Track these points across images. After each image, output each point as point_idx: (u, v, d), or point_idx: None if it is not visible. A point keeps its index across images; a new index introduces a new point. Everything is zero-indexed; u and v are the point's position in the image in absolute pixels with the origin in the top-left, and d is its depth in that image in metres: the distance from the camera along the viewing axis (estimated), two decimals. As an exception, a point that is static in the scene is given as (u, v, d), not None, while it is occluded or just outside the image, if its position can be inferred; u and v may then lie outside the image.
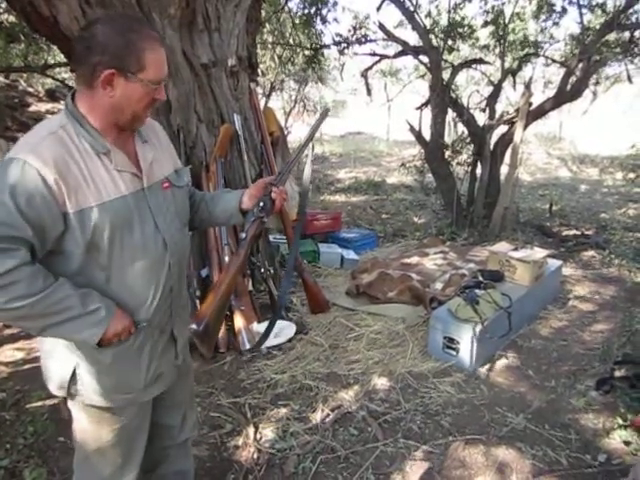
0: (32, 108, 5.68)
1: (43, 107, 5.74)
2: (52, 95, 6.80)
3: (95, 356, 1.29)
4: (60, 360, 1.32)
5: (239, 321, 3.19)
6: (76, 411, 1.41)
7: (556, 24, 6.43)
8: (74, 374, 1.30)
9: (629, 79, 6.15)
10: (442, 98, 5.54)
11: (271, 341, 3.23)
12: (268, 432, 2.44)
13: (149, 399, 1.45)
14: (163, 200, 1.36)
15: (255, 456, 2.28)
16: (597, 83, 7.49)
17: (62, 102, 6.67)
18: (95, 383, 1.31)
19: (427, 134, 5.79)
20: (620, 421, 2.45)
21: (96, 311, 1.21)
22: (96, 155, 1.22)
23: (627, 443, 2.32)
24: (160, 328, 1.41)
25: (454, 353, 3.00)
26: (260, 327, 3.28)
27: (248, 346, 3.14)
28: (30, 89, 6.82)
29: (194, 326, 1.35)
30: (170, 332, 1.45)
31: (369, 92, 7.02)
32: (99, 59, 1.16)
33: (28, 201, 1.11)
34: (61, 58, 6.38)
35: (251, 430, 2.43)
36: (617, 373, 2.74)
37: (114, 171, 1.24)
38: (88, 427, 1.40)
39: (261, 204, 1.51)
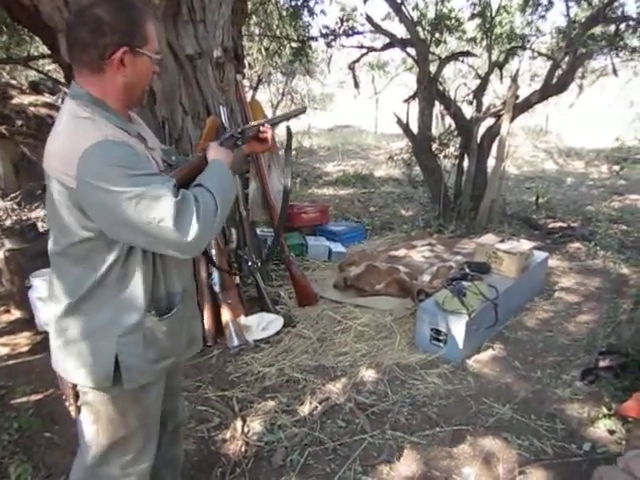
0: (15, 101, 5.59)
1: (26, 99, 5.65)
2: (36, 87, 6.69)
3: (148, 328, 1.32)
4: (100, 353, 1.30)
5: (226, 314, 3.17)
6: (103, 405, 1.37)
7: (542, 17, 6.42)
8: (117, 362, 1.29)
9: (614, 72, 6.18)
10: (429, 91, 5.54)
11: (259, 334, 3.23)
12: (256, 425, 2.43)
13: (184, 359, 1.56)
14: None
15: (243, 449, 2.28)
16: (583, 76, 7.54)
17: (46, 95, 6.56)
18: (141, 360, 1.32)
19: (415, 127, 5.79)
20: (605, 410, 2.48)
21: (227, 168, 1.37)
22: (132, 137, 1.26)
23: (611, 432, 2.35)
24: (190, 296, 1.53)
25: (441, 345, 3.02)
26: (248, 320, 3.27)
27: (236, 340, 3.13)
28: (13, 81, 6.71)
29: None
30: (196, 299, 1.60)
31: (357, 85, 7.01)
32: (109, 40, 1.17)
33: (141, 159, 1.20)
34: (44, 50, 6.28)
35: (239, 423, 2.43)
36: (602, 363, 2.77)
37: (149, 149, 1.33)
38: (115, 418, 1.39)
39: (239, 129, 1.55)
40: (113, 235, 1.20)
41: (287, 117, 1.80)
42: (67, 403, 1.42)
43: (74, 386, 1.37)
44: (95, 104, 1.22)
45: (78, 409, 1.41)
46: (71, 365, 1.33)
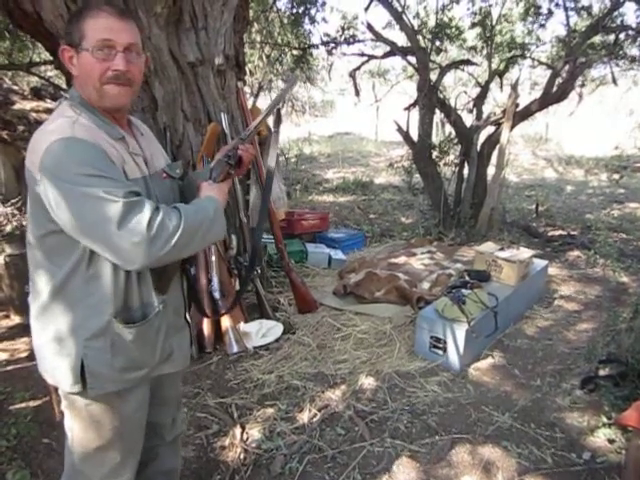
0: (17, 106, 5.59)
1: (28, 105, 5.64)
2: (37, 93, 6.70)
3: (116, 334, 1.29)
4: (69, 355, 1.28)
5: (226, 321, 3.17)
6: (77, 411, 1.36)
7: (542, 26, 6.47)
8: (82, 366, 1.28)
9: (614, 81, 6.20)
10: (430, 99, 5.56)
11: (258, 341, 3.23)
12: (255, 432, 2.43)
13: (158, 375, 1.46)
14: (166, 189, 1.42)
15: (242, 456, 2.27)
16: (583, 85, 7.56)
17: (48, 100, 6.58)
18: (107, 367, 1.30)
19: (415, 135, 5.81)
20: (604, 419, 2.47)
21: (217, 205, 1.31)
22: (114, 140, 1.26)
23: (611, 441, 2.35)
24: (174, 309, 1.47)
25: (441, 352, 3.01)
26: (247, 327, 3.27)
27: (235, 347, 3.13)
28: (15, 87, 6.73)
29: None
30: (184, 315, 1.55)
31: (357, 92, 7.02)
32: (60, 41, 1.26)
33: (103, 161, 1.17)
34: (46, 56, 6.31)
35: (238, 430, 2.42)
36: (602, 372, 2.76)
37: (132, 154, 1.31)
38: (90, 426, 1.37)
39: (229, 154, 1.47)
40: (69, 234, 1.19)
41: (279, 99, 1.73)
42: (53, 405, 1.42)
43: (56, 389, 1.37)
44: (83, 106, 1.25)
45: (61, 413, 1.41)
46: (48, 366, 1.33)
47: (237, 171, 1.51)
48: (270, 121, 1.99)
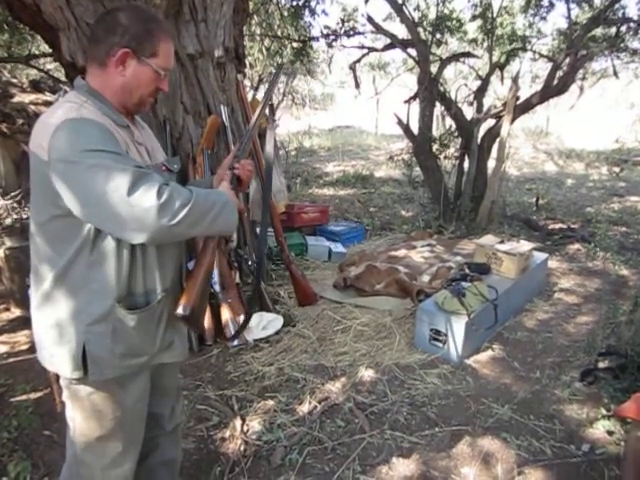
0: (16, 99, 5.58)
1: (27, 98, 5.64)
2: (36, 86, 6.68)
3: (118, 320, 1.30)
4: (69, 342, 1.29)
5: (226, 313, 3.18)
6: (79, 401, 1.38)
7: (544, 19, 6.44)
8: (84, 352, 1.29)
9: (615, 74, 6.19)
10: (430, 91, 5.54)
11: (258, 334, 3.23)
12: (255, 424, 2.44)
13: (158, 364, 1.47)
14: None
15: (242, 448, 2.28)
16: (584, 78, 7.53)
17: (47, 93, 6.56)
18: (107, 352, 1.30)
19: (415, 128, 5.79)
20: (604, 411, 2.48)
21: (227, 199, 1.32)
22: (119, 127, 1.29)
23: (610, 433, 2.36)
24: (175, 300, 1.45)
25: (440, 345, 3.02)
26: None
27: (235, 341, 3.13)
28: (14, 80, 6.71)
29: (180, 311, 1.35)
30: None
31: (357, 85, 7.00)
32: (118, 40, 1.26)
33: (110, 139, 1.19)
34: (45, 48, 6.29)
35: (238, 422, 2.43)
36: (601, 364, 2.77)
37: (135, 143, 1.34)
38: (92, 416, 1.38)
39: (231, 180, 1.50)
40: (77, 212, 1.19)
41: (268, 98, 1.78)
42: (54, 396, 1.43)
43: (57, 378, 1.38)
44: (91, 94, 1.28)
45: (62, 404, 1.42)
46: (47, 354, 1.34)
47: (238, 189, 1.54)
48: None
